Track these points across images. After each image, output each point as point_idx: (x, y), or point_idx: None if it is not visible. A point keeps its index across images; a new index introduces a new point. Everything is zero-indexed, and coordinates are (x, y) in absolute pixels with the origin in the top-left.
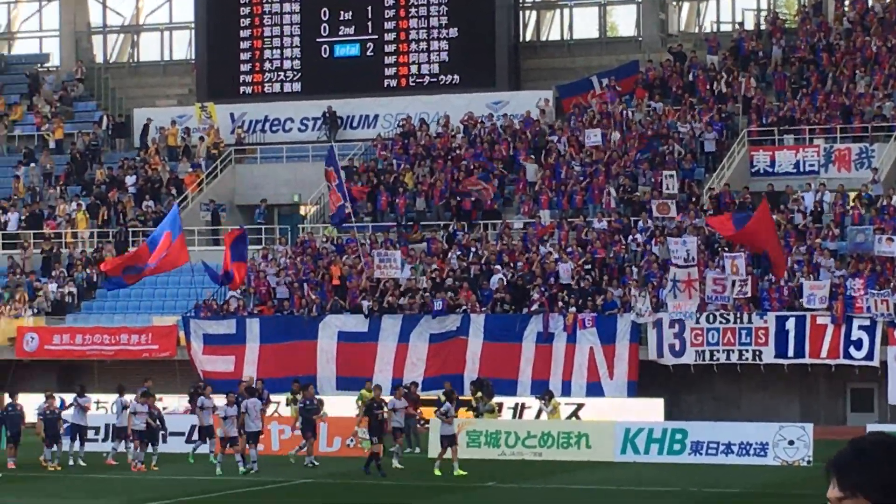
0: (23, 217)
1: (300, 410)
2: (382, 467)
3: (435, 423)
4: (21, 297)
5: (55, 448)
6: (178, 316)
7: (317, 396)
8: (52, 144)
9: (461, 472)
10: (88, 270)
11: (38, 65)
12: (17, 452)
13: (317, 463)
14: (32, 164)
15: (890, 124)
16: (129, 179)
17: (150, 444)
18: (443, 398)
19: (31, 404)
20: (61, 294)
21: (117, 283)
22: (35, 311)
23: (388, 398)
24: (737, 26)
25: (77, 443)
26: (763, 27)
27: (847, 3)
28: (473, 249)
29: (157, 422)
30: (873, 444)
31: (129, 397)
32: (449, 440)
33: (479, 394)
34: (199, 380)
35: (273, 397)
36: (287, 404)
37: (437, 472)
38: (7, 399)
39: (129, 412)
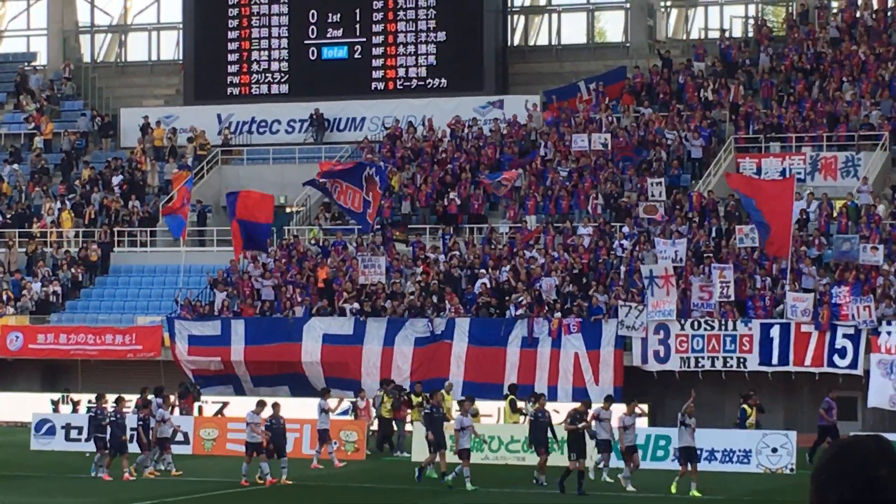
0: (8, 216)
1: (425, 416)
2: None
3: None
4: (5, 296)
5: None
6: (163, 316)
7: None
8: (39, 143)
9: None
10: (73, 270)
11: (26, 63)
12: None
13: (448, 478)
14: (15, 165)
15: (877, 133)
16: (116, 179)
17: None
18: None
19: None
20: (45, 293)
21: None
22: (18, 310)
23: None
24: (724, 34)
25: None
26: (750, 35)
27: (834, 10)
28: (458, 253)
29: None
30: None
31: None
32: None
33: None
34: (186, 380)
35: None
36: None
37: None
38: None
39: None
